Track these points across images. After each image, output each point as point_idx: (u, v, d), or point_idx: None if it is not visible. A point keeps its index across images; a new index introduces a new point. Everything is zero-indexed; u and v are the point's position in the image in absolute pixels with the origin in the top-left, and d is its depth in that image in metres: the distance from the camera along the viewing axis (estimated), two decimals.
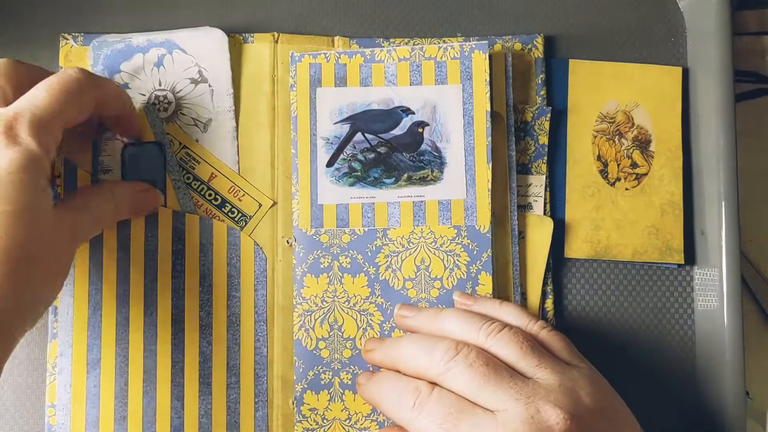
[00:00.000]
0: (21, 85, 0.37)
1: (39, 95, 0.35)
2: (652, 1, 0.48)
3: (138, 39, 0.44)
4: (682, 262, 0.46)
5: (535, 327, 0.38)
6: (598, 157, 0.46)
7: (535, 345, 0.36)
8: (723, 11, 0.45)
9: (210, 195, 0.44)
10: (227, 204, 0.44)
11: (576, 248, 0.45)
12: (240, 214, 0.44)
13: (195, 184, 0.44)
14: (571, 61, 0.47)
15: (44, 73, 0.38)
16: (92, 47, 0.44)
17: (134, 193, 0.42)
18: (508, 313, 0.39)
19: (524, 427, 0.32)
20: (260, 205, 0.44)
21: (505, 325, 0.37)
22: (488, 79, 0.43)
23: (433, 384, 0.36)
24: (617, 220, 0.46)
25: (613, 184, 0.46)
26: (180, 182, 0.44)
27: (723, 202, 0.44)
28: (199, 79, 0.44)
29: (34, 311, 0.36)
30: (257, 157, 0.44)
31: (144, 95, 0.44)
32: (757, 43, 0.51)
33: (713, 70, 0.45)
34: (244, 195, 0.44)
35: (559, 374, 0.35)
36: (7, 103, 0.36)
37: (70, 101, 0.36)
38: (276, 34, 0.46)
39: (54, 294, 0.38)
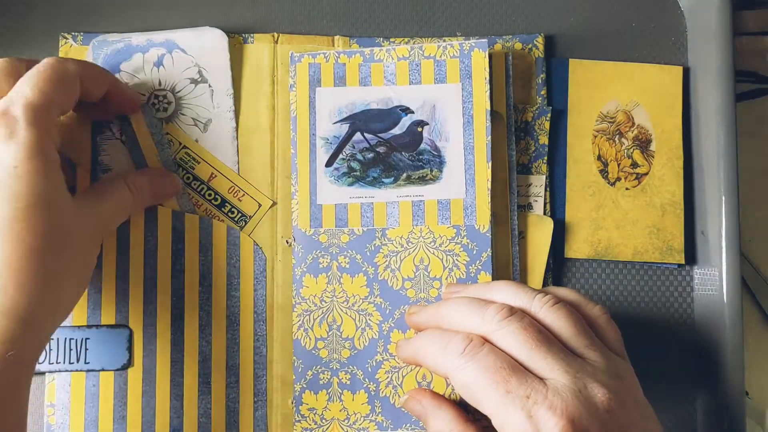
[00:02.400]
0: None
1: (27, 84, 0.35)
2: (653, 1, 0.48)
3: (138, 38, 0.44)
4: (683, 262, 0.45)
5: (594, 310, 0.37)
6: (599, 157, 0.46)
7: (587, 327, 0.35)
8: (723, 11, 0.45)
9: (210, 195, 0.44)
10: (227, 204, 0.44)
11: (576, 248, 0.45)
12: (240, 214, 0.44)
13: (195, 184, 0.44)
14: (571, 60, 0.46)
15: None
16: (92, 47, 0.44)
17: (151, 179, 0.42)
18: (566, 292, 0.38)
19: (573, 399, 0.31)
20: (260, 205, 0.44)
21: (560, 300, 0.36)
22: (488, 78, 0.43)
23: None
24: (617, 220, 0.46)
25: (613, 184, 0.46)
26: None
27: (723, 202, 0.44)
28: (199, 79, 0.44)
29: (64, 308, 0.36)
30: (257, 157, 0.44)
31: (144, 95, 0.44)
32: (757, 43, 0.51)
33: (714, 69, 0.45)
34: (243, 195, 0.44)
35: (607, 359, 0.34)
36: None
37: (58, 84, 0.36)
38: (276, 34, 0.46)
39: (83, 287, 0.37)
